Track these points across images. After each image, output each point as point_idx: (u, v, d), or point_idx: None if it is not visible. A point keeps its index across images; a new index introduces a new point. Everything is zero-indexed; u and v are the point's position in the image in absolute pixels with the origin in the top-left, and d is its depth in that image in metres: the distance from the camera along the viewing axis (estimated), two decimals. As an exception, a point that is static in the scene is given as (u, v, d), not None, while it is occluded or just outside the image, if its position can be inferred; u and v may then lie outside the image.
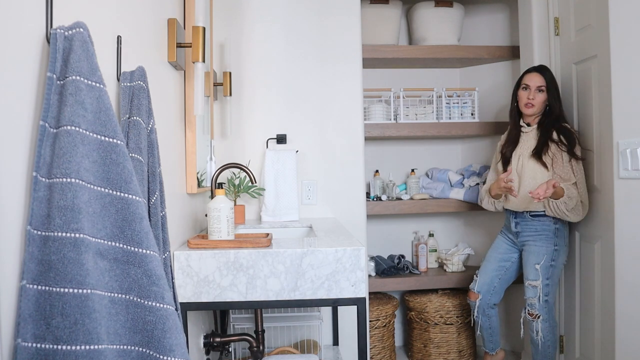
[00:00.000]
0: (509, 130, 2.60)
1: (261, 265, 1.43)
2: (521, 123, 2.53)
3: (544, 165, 2.36)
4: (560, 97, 2.46)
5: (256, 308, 1.49)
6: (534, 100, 2.44)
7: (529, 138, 2.47)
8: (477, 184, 3.02)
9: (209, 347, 1.80)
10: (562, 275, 2.62)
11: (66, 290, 0.72)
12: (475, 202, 2.98)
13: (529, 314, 2.40)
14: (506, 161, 2.52)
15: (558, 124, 2.40)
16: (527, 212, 2.45)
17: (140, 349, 0.86)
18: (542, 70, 2.47)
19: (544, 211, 2.38)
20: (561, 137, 2.36)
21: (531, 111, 2.46)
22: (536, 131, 2.46)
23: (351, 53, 2.58)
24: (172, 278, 1.23)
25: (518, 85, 2.53)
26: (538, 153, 2.38)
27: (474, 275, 2.65)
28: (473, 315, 2.64)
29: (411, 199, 3.04)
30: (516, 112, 2.56)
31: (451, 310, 2.88)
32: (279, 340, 2.43)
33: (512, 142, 2.53)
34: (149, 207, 1.08)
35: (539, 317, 2.36)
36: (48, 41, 0.77)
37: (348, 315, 2.53)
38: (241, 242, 1.49)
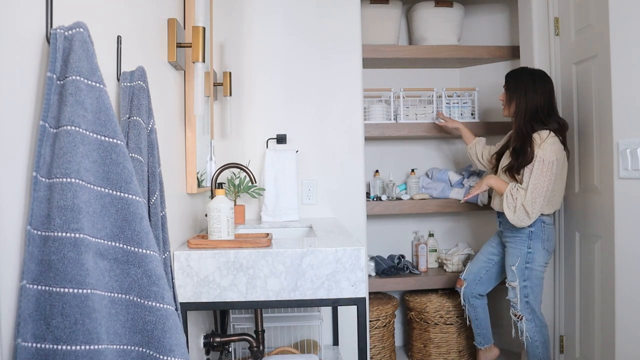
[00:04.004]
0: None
1: (261, 265, 1.43)
2: None
3: (513, 178, 2.36)
4: (527, 95, 2.34)
5: (256, 308, 1.49)
6: (503, 100, 2.48)
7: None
8: (477, 184, 3.02)
9: (209, 347, 1.80)
10: (562, 275, 2.62)
11: (66, 290, 0.72)
12: (476, 202, 2.98)
13: (513, 314, 2.44)
14: (499, 156, 2.53)
15: (527, 134, 2.32)
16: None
17: (140, 349, 0.86)
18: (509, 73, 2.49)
19: None
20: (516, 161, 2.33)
21: (505, 112, 2.50)
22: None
23: (351, 53, 2.58)
24: (172, 278, 1.23)
25: None
26: (510, 170, 2.36)
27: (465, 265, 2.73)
28: (462, 304, 2.70)
29: (411, 199, 3.04)
30: None
31: (451, 310, 2.88)
32: (279, 340, 2.43)
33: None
34: (149, 207, 1.08)
35: (522, 318, 2.39)
36: (48, 41, 0.77)
37: (348, 315, 2.53)
38: (241, 242, 1.49)
